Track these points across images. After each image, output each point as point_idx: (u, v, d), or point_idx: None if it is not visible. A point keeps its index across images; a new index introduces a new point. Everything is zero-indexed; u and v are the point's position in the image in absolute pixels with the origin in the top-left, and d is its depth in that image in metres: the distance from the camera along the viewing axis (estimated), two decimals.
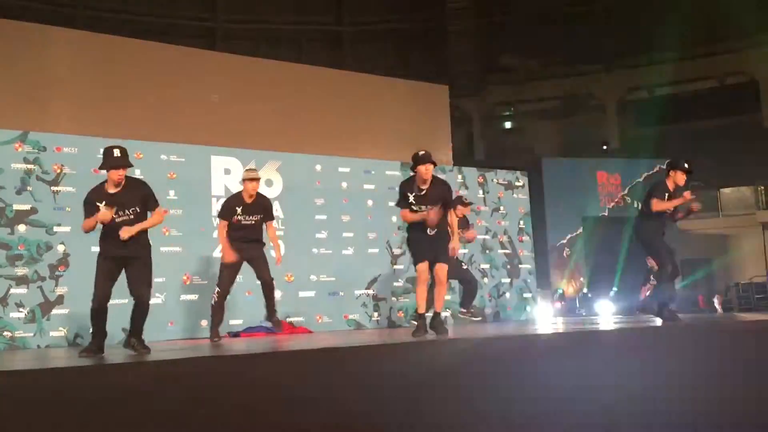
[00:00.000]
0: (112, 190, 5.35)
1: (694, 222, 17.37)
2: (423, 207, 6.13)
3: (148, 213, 5.50)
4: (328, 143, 11.50)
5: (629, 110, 21.56)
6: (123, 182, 5.35)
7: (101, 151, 8.15)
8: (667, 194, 7.17)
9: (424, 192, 6.18)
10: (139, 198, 5.40)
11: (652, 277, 10.73)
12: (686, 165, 7.33)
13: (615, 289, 12.80)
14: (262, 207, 7.14)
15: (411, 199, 6.20)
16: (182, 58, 12.08)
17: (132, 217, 5.32)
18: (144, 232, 5.43)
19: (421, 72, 18.17)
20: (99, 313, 5.33)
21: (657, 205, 7.10)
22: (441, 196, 6.21)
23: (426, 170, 6.13)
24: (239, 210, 7.01)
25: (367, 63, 18.91)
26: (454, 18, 21.18)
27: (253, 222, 7.07)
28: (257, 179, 7.13)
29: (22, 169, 7.94)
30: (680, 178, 7.27)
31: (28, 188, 7.93)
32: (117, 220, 5.29)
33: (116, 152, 5.32)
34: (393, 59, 20.70)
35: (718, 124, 20.13)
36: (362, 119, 12.74)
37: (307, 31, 21.13)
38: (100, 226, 5.37)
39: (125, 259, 5.36)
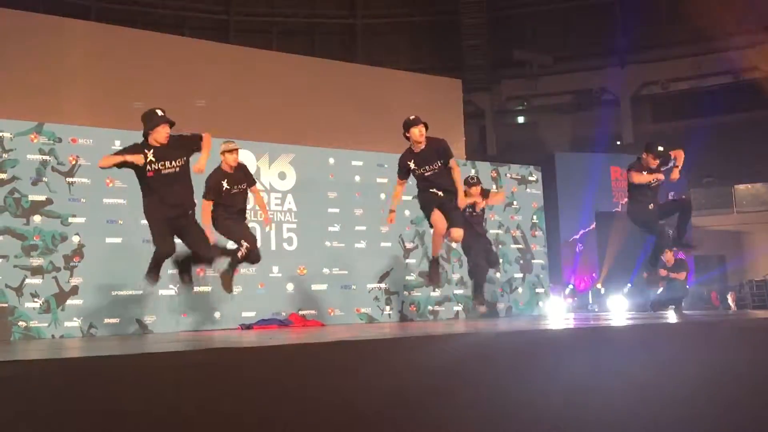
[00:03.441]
0: (156, 145, 5.50)
1: (707, 218, 17.29)
2: (427, 167, 6.37)
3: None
4: (341, 136, 11.52)
5: (643, 105, 21.44)
6: (168, 140, 5.50)
7: (116, 143, 8.30)
8: (645, 171, 7.45)
9: (421, 153, 6.40)
10: (182, 150, 5.51)
11: (666, 272, 10.70)
12: (660, 148, 7.51)
13: (630, 284, 12.74)
14: (244, 175, 6.99)
15: (412, 165, 6.43)
16: (196, 51, 12.11)
17: (178, 169, 5.45)
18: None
19: (434, 66, 18.15)
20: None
21: (636, 177, 7.40)
22: (438, 150, 6.40)
23: (419, 132, 6.34)
24: (225, 183, 6.82)
25: (380, 56, 18.89)
26: (468, 12, 21.08)
27: (240, 190, 6.92)
28: (236, 149, 6.94)
29: (37, 160, 8.00)
30: (652, 161, 7.45)
31: (44, 179, 7.99)
32: (163, 171, 5.44)
33: (159, 112, 5.47)
34: (406, 53, 20.67)
35: (732, 120, 19.98)
36: (375, 113, 12.73)
37: (321, 25, 21.11)
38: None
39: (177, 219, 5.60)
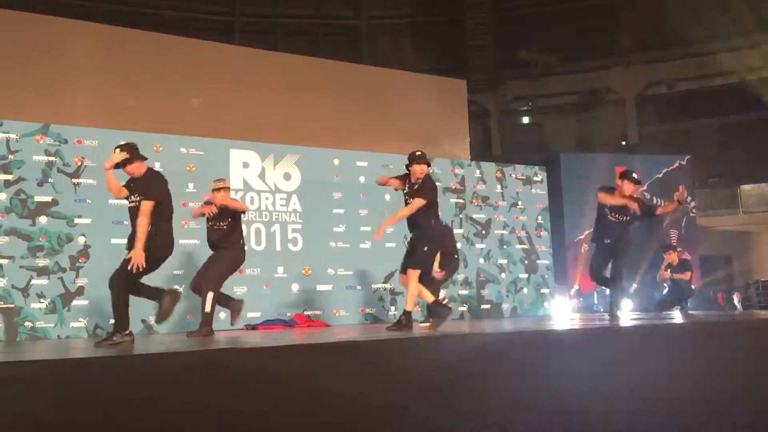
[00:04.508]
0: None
1: (714, 219, 17.26)
2: (410, 200, 6.53)
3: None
4: (346, 137, 11.51)
5: (648, 105, 21.40)
6: (143, 173, 5.71)
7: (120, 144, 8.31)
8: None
9: (414, 185, 6.53)
10: (139, 188, 5.63)
11: (669, 272, 10.68)
12: (634, 175, 7.68)
13: (635, 285, 12.70)
14: (223, 214, 7.04)
15: (406, 189, 6.61)
16: (201, 52, 12.11)
17: (137, 203, 5.56)
18: None
19: (438, 66, 18.13)
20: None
21: (605, 198, 7.58)
22: (420, 186, 6.49)
23: (421, 170, 6.49)
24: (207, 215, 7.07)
25: (385, 57, 18.90)
26: (472, 12, 21.09)
27: (219, 228, 7.05)
28: (224, 188, 7.09)
29: (43, 161, 8.02)
30: (627, 187, 7.57)
31: (50, 180, 8.01)
32: (128, 205, 5.67)
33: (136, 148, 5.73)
34: (411, 53, 20.66)
35: (738, 120, 19.94)
36: (380, 113, 12.72)
37: (325, 25, 21.14)
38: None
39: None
